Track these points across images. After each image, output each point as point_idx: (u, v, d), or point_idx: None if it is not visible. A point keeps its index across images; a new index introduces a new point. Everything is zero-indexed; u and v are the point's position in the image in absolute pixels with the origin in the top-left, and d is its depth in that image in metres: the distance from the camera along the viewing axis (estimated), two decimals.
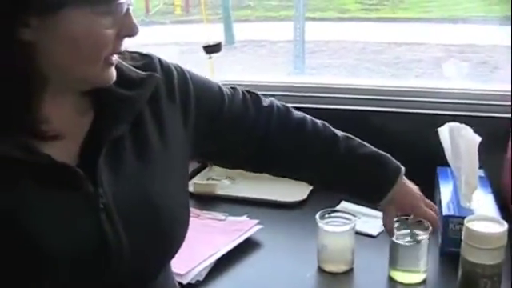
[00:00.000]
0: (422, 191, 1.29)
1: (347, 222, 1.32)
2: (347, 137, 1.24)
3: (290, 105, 1.82)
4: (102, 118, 0.94)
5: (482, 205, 1.40)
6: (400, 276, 1.27)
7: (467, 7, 4.52)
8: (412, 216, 1.25)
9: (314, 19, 4.40)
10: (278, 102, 1.24)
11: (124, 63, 0.98)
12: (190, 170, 1.75)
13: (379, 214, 1.47)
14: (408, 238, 1.25)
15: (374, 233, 1.44)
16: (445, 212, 1.36)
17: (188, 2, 5.22)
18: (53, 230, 0.84)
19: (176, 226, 0.99)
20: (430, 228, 1.24)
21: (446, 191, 1.47)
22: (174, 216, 0.98)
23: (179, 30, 4.85)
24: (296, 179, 1.29)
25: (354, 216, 1.33)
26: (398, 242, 1.25)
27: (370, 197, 1.26)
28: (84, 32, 0.83)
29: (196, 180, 1.72)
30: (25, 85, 0.83)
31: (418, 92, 1.77)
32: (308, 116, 1.24)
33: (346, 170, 1.22)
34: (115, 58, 0.91)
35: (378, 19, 4.56)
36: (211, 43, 1.68)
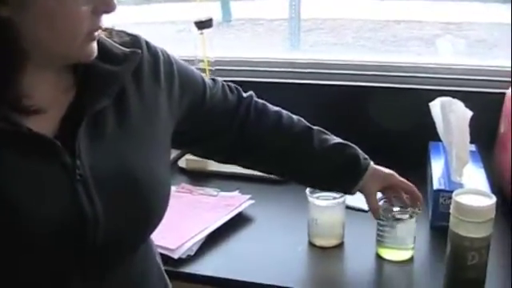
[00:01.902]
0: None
1: (337, 196, 1.33)
2: (320, 130, 1.27)
3: (284, 80, 1.83)
4: (84, 93, 0.94)
5: (473, 179, 1.40)
6: (387, 253, 1.28)
7: None
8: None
9: None
10: (255, 97, 1.27)
11: (108, 39, 0.99)
12: None
13: None
14: (394, 216, 1.26)
15: (366, 207, 1.44)
16: (435, 186, 1.36)
17: None
18: (30, 200, 0.85)
19: (155, 200, 0.99)
20: (418, 204, 1.25)
21: (437, 166, 1.48)
22: (152, 190, 0.98)
23: (176, 8, 4.81)
24: (268, 172, 1.32)
25: None
26: (384, 220, 1.26)
27: (343, 185, 1.27)
28: (58, 9, 0.83)
29: (188, 156, 1.72)
30: (6, 60, 0.84)
31: (411, 67, 1.77)
32: (284, 110, 1.27)
33: (319, 161, 1.24)
34: (97, 33, 0.91)
35: None
36: (202, 19, 1.67)
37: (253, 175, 1.61)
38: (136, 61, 0.99)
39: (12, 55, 0.84)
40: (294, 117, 1.27)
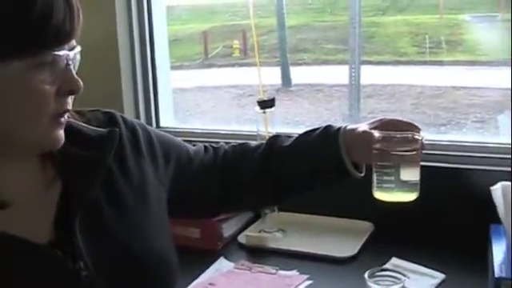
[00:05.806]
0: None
1: (397, 281, 1.32)
2: (278, 135, 1.28)
3: None
4: (71, 185, 0.92)
5: None
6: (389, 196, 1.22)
7: None
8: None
9: (370, 63, 4.40)
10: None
11: (81, 123, 0.98)
12: (244, 220, 1.80)
13: (430, 271, 1.48)
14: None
15: None
16: (497, 274, 1.34)
17: (246, 45, 5.32)
18: None
19: (163, 281, 0.99)
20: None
21: (498, 251, 1.45)
22: (160, 273, 0.98)
23: (237, 72, 4.95)
24: (273, 200, 1.36)
25: (404, 275, 1.33)
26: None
27: (329, 154, 1.18)
28: (20, 88, 0.81)
29: (248, 232, 1.75)
30: None
31: (472, 147, 1.76)
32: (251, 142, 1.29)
33: (298, 149, 1.21)
34: (64, 118, 0.88)
35: (435, 62, 4.53)
36: (265, 98, 1.70)
37: (312, 254, 1.62)
38: (115, 140, 0.98)
39: None
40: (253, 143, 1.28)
